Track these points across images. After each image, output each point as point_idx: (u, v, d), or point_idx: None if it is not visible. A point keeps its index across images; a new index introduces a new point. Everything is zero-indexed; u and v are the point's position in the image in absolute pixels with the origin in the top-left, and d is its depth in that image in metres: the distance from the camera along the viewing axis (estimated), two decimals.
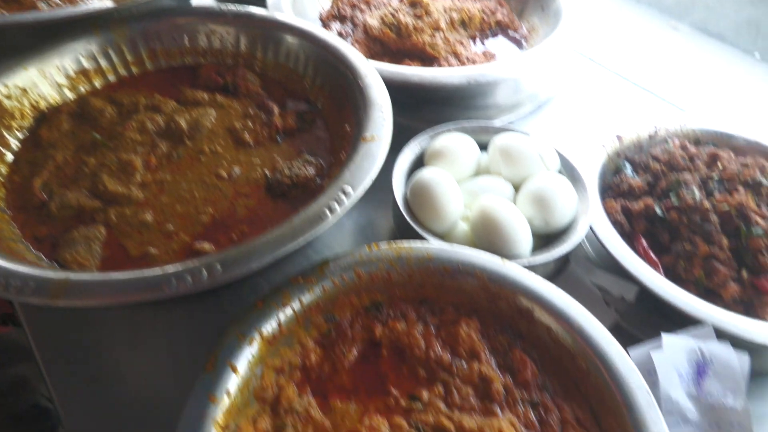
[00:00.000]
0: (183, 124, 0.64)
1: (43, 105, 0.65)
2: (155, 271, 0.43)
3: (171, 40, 0.73)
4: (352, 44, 0.81)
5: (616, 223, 0.59)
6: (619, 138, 0.66)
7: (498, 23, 0.88)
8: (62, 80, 0.67)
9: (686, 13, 1.01)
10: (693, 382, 0.49)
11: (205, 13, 0.74)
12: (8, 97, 0.62)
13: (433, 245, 0.51)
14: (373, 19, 0.82)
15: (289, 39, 0.71)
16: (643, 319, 0.57)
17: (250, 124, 0.66)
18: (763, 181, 0.58)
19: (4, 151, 0.60)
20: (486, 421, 0.43)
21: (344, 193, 0.50)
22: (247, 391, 0.42)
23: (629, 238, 0.58)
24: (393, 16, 0.81)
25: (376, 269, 0.49)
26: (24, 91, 0.64)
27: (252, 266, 0.44)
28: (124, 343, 0.55)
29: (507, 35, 0.88)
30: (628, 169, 0.65)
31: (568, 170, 0.62)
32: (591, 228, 0.57)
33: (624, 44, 0.95)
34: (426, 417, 0.43)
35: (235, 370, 0.42)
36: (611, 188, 0.64)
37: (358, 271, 0.49)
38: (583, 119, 0.79)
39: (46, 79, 0.66)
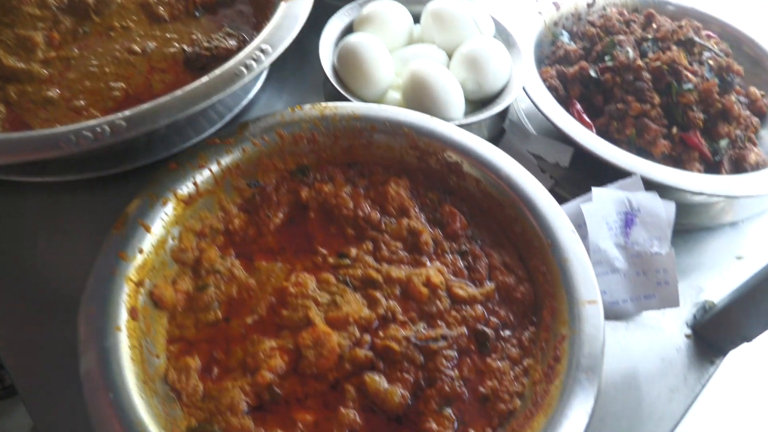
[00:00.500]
0: None
1: None
2: (54, 129, 0.40)
3: None
4: None
5: (551, 88, 0.57)
6: (556, 5, 0.64)
7: None
8: None
9: None
10: (621, 232, 0.50)
11: None
12: None
13: (359, 104, 0.48)
14: None
15: None
16: (578, 182, 0.57)
17: None
18: (696, 39, 0.58)
19: None
20: (414, 270, 0.42)
21: (262, 51, 0.46)
22: (163, 252, 0.40)
23: (564, 104, 0.57)
24: None
25: (300, 130, 0.47)
26: None
27: (159, 123, 0.41)
28: (47, 231, 0.51)
29: None
30: (565, 37, 0.63)
31: (504, 36, 0.59)
32: (525, 91, 0.55)
33: None
34: (354, 271, 0.42)
35: (147, 229, 0.40)
36: (547, 57, 0.62)
37: (280, 132, 0.46)
38: None
39: None
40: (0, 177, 0.51)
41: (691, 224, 0.55)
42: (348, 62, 0.53)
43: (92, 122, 0.40)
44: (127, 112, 0.41)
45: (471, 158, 0.46)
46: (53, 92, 0.52)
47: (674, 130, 0.55)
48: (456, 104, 0.53)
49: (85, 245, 0.44)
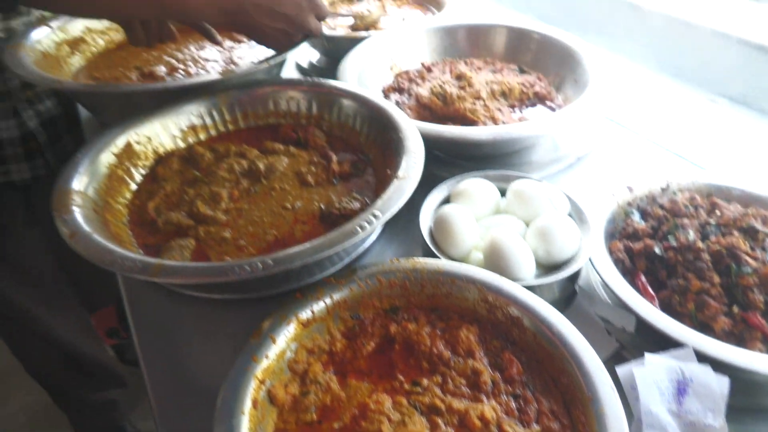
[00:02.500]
0: (261, 167, 0.81)
1: (161, 150, 0.85)
2: (224, 263, 0.58)
3: (260, 105, 0.92)
4: (406, 110, 0.97)
5: (618, 261, 0.66)
6: (630, 189, 0.74)
7: (536, 94, 1.00)
8: (177, 133, 0.87)
9: (725, 88, 1.07)
10: (674, 399, 0.54)
11: (287, 83, 0.93)
12: (138, 143, 0.83)
13: (444, 262, 0.61)
14: (423, 90, 0.97)
15: (350, 103, 0.88)
16: (643, 348, 0.62)
17: (313, 169, 0.81)
18: (758, 227, 0.64)
19: (130, 182, 0.80)
20: (472, 404, 0.51)
21: (374, 216, 0.62)
22: (282, 360, 0.54)
23: (630, 275, 0.65)
24: (441, 87, 0.96)
25: (395, 277, 0.60)
26: (149, 139, 0.84)
27: (295, 263, 0.57)
28: (201, 335, 0.69)
29: (544, 105, 1.00)
30: (636, 216, 0.72)
31: (577, 213, 0.70)
32: (592, 262, 0.64)
33: (661, 114, 1.03)
34: (423, 398, 0.52)
35: (274, 341, 0.54)
36: (619, 233, 0.71)
37: (380, 278, 0.60)
38: (607, 177, 0.87)
39: (166, 131, 0.86)
40: (178, 291, 0.71)
41: (753, 404, 0.57)
42: (441, 227, 0.68)
43: (250, 259, 0.58)
44: (274, 255, 0.58)
45: (530, 314, 0.55)
46: (227, 233, 0.72)
47: (735, 308, 0.59)
48: (527, 267, 0.63)
49: (228, 348, 0.60)
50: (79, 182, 0.71)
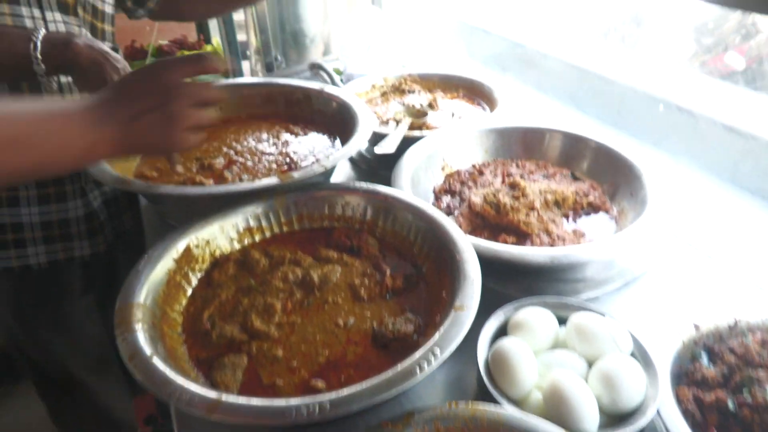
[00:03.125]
0: (315, 278, 0.81)
1: (217, 253, 0.87)
2: (282, 402, 0.57)
3: (314, 208, 0.94)
4: (458, 217, 0.97)
5: (687, 412, 0.62)
6: (696, 327, 0.71)
7: (590, 204, 0.99)
8: (233, 235, 0.89)
9: None
10: None
11: (343, 188, 0.94)
12: (197, 246, 0.84)
13: (505, 411, 0.59)
14: (476, 197, 0.98)
15: (405, 213, 0.88)
16: None
17: (366, 282, 0.81)
18: None
19: (186, 287, 0.81)
20: None
21: (433, 354, 0.61)
22: None
23: (701, 429, 0.61)
24: (494, 195, 0.96)
25: (453, 425, 0.58)
26: (207, 242, 0.86)
27: (353, 408, 0.56)
28: None
29: (598, 215, 0.98)
30: (704, 359, 0.69)
31: (641, 354, 0.68)
32: (660, 415, 0.61)
33: (722, 229, 1.00)
34: None
35: None
36: (686, 375, 0.68)
37: (437, 425, 0.58)
38: (667, 300, 0.84)
39: (223, 234, 0.88)
40: None
41: None
42: (498, 363, 0.66)
43: (307, 400, 0.57)
44: (332, 396, 0.57)
45: None
46: (279, 351, 0.71)
47: None
48: (590, 418, 0.60)
49: None
50: (140, 294, 0.72)
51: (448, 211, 1.01)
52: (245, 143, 1.20)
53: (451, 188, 1.06)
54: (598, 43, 1.51)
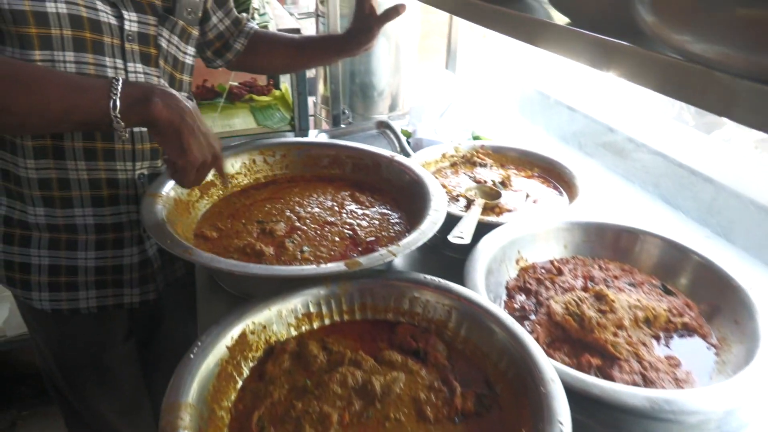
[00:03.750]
0: (377, 386, 0.73)
1: (272, 340, 0.80)
2: None
3: (379, 298, 0.86)
4: (535, 324, 0.88)
5: None
6: None
7: (685, 325, 0.88)
8: (291, 320, 0.83)
9: None
10: None
11: (412, 280, 0.87)
12: (253, 332, 0.78)
13: None
14: (557, 305, 0.88)
15: (481, 320, 0.80)
16: None
17: (433, 398, 0.73)
18: None
19: (237, 379, 0.75)
20: None
21: None
22: None
23: None
24: (577, 305, 0.87)
25: None
26: (264, 327, 0.80)
27: None
28: None
29: (693, 340, 0.87)
30: None
31: None
32: None
33: None
34: None
35: None
36: None
37: None
38: None
39: (281, 319, 0.82)
40: None
41: None
42: None
43: None
44: None
45: None
46: None
47: None
48: None
49: None
50: (189, 391, 0.66)
51: (524, 314, 0.91)
52: (308, 208, 1.15)
53: (526, 286, 0.97)
54: (694, 134, 1.41)
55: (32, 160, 0.97)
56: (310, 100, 2.05)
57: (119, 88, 0.80)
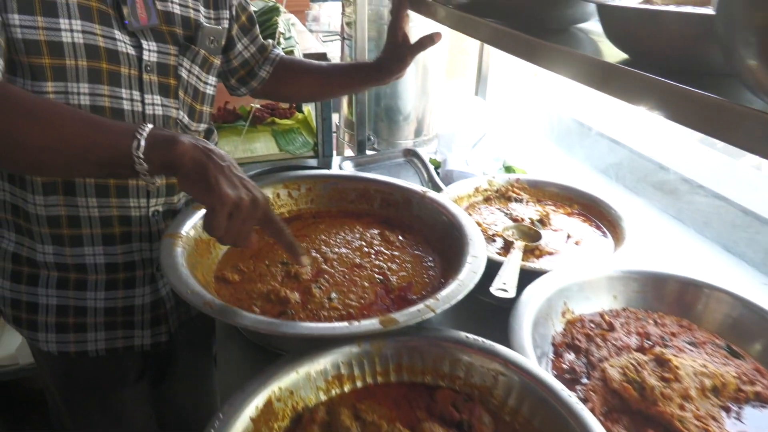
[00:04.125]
0: None
1: (300, 406, 0.73)
2: None
3: (417, 358, 0.79)
4: (588, 391, 0.79)
5: None
6: None
7: (757, 395, 0.79)
8: (321, 384, 0.75)
9: None
10: None
11: (454, 340, 0.79)
12: (279, 399, 0.71)
13: None
14: (613, 369, 0.80)
15: (533, 390, 0.71)
16: None
17: None
18: None
19: None
20: None
21: None
22: None
23: None
24: (636, 370, 0.78)
25: None
26: (290, 393, 0.72)
27: None
28: None
29: (767, 412, 0.78)
30: None
31: None
32: None
33: None
34: None
35: None
36: None
37: None
38: None
39: (309, 382, 0.74)
40: None
41: None
42: None
43: None
44: None
45: None
46: None
47: None
48: None
49: None
50: None
51: (574, 377, 0.83)
52: (336, 249, 1.08)
53: (574, 343, 0.89)
54: (746, 170, 1.31)
55: (41, 196, 0.91)
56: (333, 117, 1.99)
57: (146, 130, 0.74)
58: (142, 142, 0.74)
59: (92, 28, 0.85)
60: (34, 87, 0.83)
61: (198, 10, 1.01)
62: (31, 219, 0.94)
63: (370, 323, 0.77)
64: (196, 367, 1.38)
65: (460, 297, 0.83)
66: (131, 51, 0.91)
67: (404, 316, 0.78)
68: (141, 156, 0.74)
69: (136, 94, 0.93)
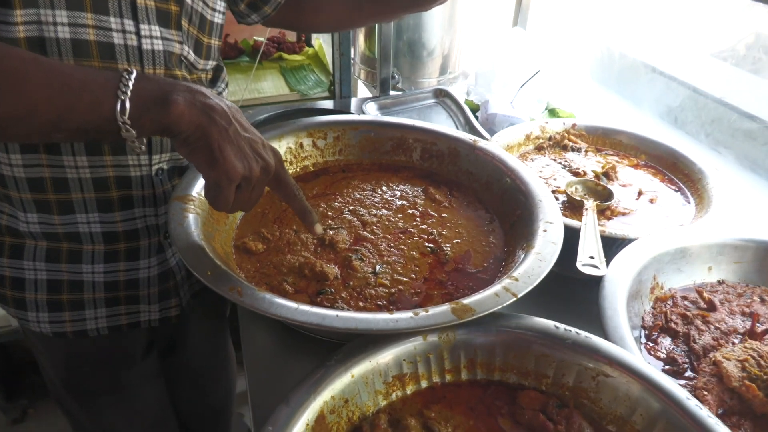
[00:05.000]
0: None
1: (356, 417, 0.59)
2: None
3: (494, 353, 0.64)
4: (699, 388, 0.65)
5: None
6: None
7: None
8: (380, 386, 0.61)
9: None
10: None
11: (539, 331, 0.64)
12: (332, 411, 0.57)
13: None
14: (730, 363, 0.66)
15: (640, 394, 0.58)
16: None
17: None
18: None
19: None
20: None
21: None
22: None
23: None
24: (759, 366, 0.65)
25: None
26: (345, 402, 0.58)
27: None
28: None
29: None
30: None
31: None
32: None
33: None
34: None
35: None
36: None
37: None
38: None
39: (367, 386, 0.60)
40: None
41: None
42: None
43: None
44: None
45: None
46: None
47: None
48: None
49: None
50: None
51: (676, 369, 0.69)
52: (373, 210, 0.91)
53: (669, 326, 0.75)
54: None
55: (18, 155, 0.74)
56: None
57: (130, 83, 0.56)
58: (127, 104, 0.56)
59: None
60: (4, 17, 0.63)
61: None
62: (8, 182, 0.76)
63: (441, 312, 0.61)
64: (210, 337, 1.25)
65: (543, 276, 0.68)
66: None
67: (479, 304, 0.63)
68: (127, 122, 0.57)
69: (129, 24, 0.73)
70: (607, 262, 0.74)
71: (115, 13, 0.71)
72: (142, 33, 0.74)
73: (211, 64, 0.90)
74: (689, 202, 0.99)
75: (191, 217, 0.74)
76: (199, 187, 0.80)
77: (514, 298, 0.64)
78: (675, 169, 1.05)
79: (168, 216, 0.74)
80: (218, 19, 0.88)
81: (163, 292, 0.93)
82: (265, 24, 1.10)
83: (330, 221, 0.88)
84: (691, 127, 1.30)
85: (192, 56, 0.83)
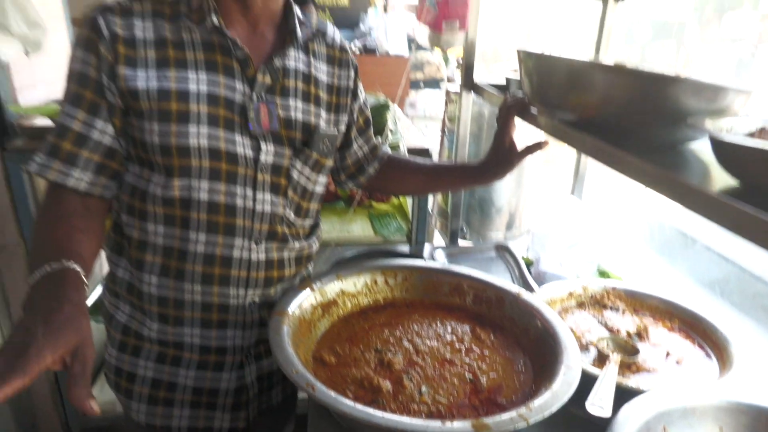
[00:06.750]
0: None
1: None
2: None
3: None
4: None
5: None
6: None
7: None
8: None
9: None
10: None
11: None
12: None
13: None
14: None
15: None
16: None
17: None
18: None
19: None
20: None
21: None
22: None
23: None
24: None
25: None
26: None
27: None
28: None
29: None
30: None
31: None
32: None
33: None
34: None
35: None
36: None
37: None
38: None
39: None
40: None
41: None
42: None
43: None
44: None
45: None
46: None
47: None
48: None
49: None
50: None
51: None
52: (427, 341, 1.11)
53: None
54: None
55: (156, 277, 1.02)
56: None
57: (42, 277, 0.79)
58: (29, 281, 0.80)
59: (216, 133, 0.96)
60: (166, 182, 0.96)
61: (319, 115, 1.06)
62: (144, 297, 1.05)
63: (463, 426, 0.78)
64: None
65: (554, 409, 0.83)
66: (249, 152, 0.98)
67: (496, 424, 0.79)
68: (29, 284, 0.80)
69: (249, 192, 1.00)
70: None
71: (241, 184, 1.00)
72: (257, 198, 1.02)
73: (309, 222, 1.17)
74: (715, 367, 1.09)
75: (285, 329, 0.98)
76: (294, 306, 1.05)
77: (525, 423, 0.79)
78: (704, 335, 1.16)
79: (269, 326, 0.98)
80: (319, 189, 1.17)
81: (236, 405, 1.13)
82: (358, 188, 1.40)
83: (390, 346, 1.08)
84: (734, 299, 1.40)
85: (292, 216, 1.10)
